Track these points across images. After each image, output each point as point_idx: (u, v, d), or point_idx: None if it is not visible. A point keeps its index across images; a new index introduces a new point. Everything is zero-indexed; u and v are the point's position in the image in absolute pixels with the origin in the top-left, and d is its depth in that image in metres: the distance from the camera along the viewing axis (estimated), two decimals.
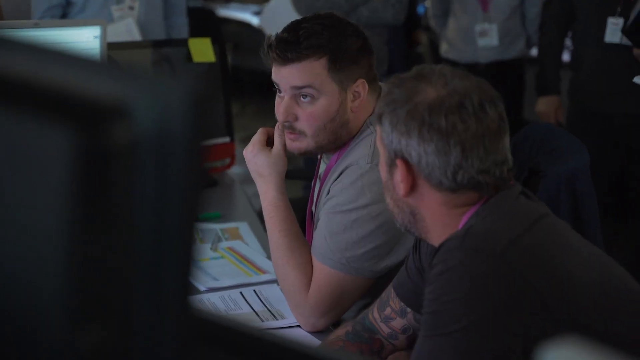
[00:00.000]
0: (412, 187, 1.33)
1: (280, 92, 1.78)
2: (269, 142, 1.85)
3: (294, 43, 1.72)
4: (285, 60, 1.73)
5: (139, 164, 0.46)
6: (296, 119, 1.76)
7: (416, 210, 1.35)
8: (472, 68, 4.18)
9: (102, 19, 3.49)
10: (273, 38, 1.74)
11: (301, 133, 1.77)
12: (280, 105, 1.77)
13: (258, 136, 1.85)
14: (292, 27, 1.75)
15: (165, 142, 0.46)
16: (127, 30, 3.47)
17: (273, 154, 1.82)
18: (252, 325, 0.55)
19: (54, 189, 0.44)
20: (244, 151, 1.87)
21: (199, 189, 0.48)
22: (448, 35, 4.36)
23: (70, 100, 0.45)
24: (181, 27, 3.84)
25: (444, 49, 4.41)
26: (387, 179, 1.37)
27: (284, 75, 1.75)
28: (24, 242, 0.46)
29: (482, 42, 4.18)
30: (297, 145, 1.79)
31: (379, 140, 1.38)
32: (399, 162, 1.32)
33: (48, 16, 3.48)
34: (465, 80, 1.32)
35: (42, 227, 0.45)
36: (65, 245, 0.45)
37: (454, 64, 4.24)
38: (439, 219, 1.34)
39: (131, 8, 3.60)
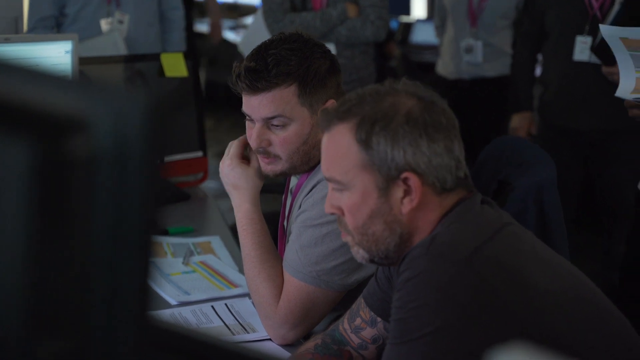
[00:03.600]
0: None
1: (250, 118, 1.79)
2: (245, 153, 1.86)
3: (262, 72, 1.71)
4: (255, 90, 1.73)
5: (96, 176, 0.47)
6: (269, 144, 1.78)
7: (413, 226, 1.34)
8: (456, 84, 4.18)
9: (92, 31, 3.50)
10: (241, 68, 1.73)
11: (276, 157, 1.79)
12: (253, 133, 1.78)
13: (235, 149, 1.86)
14: (260, 55, 1.73)
15: (123, 154, 0.47)
16: (112, 44, 3.45)
17: (250, 168, 1.83)
18: (210, 335, 0.56)
19: (12, 201, 0.45)
20: (221, 163, 1.88)
21: (156, 201, 0.49)
22: (441, 49, 4.32)
23: (29, 114, 0.46)
24: (178, 42, 3.80)
25: (438, 64, 4.36)
26: (377, 205, 1.33)
27: (254, 106, 1.75)
28: None
29: (466, 58, 4.13)
30: (272, 167, 1.81)
31: (358, 169, 1.33)
32: (408, 174, 1.31)
33: (41, 26, 3.48)
34: (412, 87, 1.37)
35: (0, 239, 0.46)
36: (23, 256, 0.46)
37: (442, 79, 4.23)
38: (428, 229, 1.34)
39: (120, 22, 3.57)
